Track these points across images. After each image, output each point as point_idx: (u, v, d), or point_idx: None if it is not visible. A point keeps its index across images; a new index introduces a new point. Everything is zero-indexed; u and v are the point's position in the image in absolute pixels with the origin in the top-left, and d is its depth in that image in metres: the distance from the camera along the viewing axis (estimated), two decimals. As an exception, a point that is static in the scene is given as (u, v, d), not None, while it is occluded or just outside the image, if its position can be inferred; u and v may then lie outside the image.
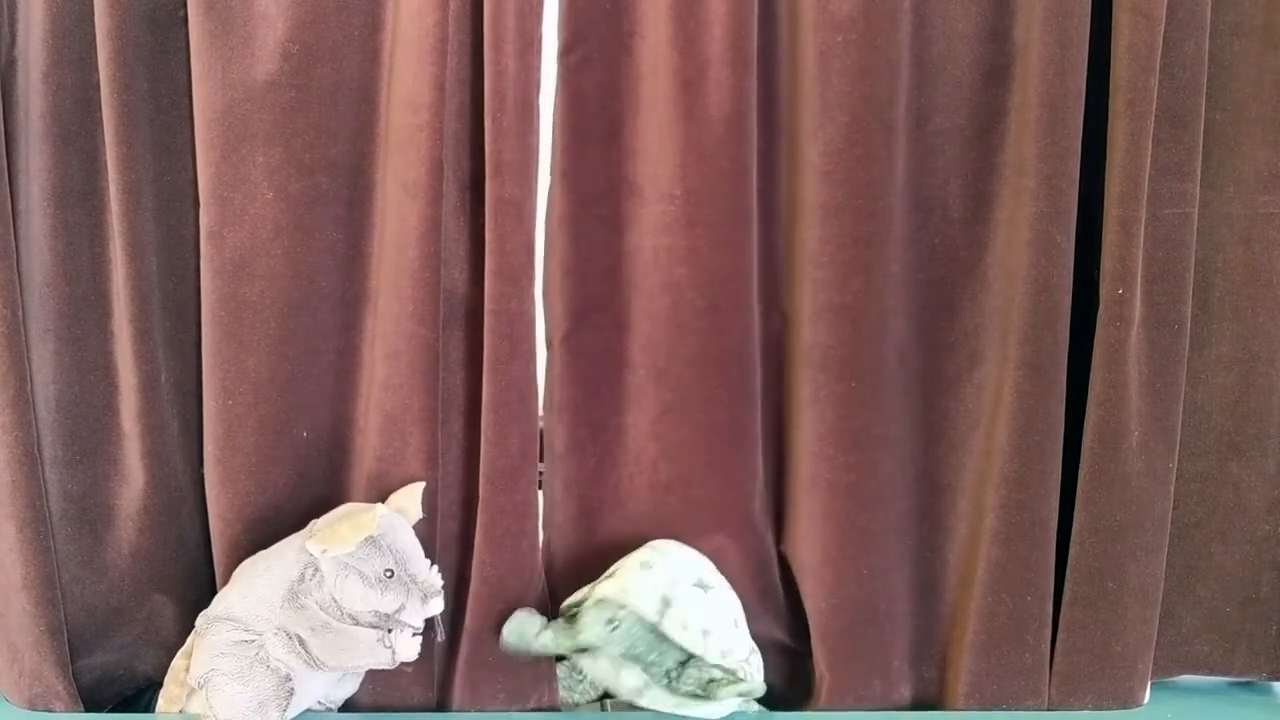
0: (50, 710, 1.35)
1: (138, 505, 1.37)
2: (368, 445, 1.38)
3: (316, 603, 1.25)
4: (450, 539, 1.41)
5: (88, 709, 1.37)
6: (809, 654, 1.44)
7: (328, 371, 1.39)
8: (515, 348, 1.33)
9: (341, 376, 1.39)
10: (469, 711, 1.40)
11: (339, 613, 1.25)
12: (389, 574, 1.25)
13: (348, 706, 1.39)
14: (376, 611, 1.25)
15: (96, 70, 1.28)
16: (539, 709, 1.41)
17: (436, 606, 1.27)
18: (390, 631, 1.27)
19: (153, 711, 1.38)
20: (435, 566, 1.30)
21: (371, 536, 1.24)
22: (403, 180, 1.31)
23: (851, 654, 1.41)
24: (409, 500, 1.31)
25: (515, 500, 1.36)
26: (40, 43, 1.28)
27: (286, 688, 1.25)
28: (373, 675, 1.38)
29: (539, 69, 1.32)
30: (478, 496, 1.36)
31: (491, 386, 1.33)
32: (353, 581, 1.24)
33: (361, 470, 1.39)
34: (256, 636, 1.26)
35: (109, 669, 1.41)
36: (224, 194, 1.32)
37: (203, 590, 1.41)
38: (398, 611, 1.25)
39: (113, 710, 1.42)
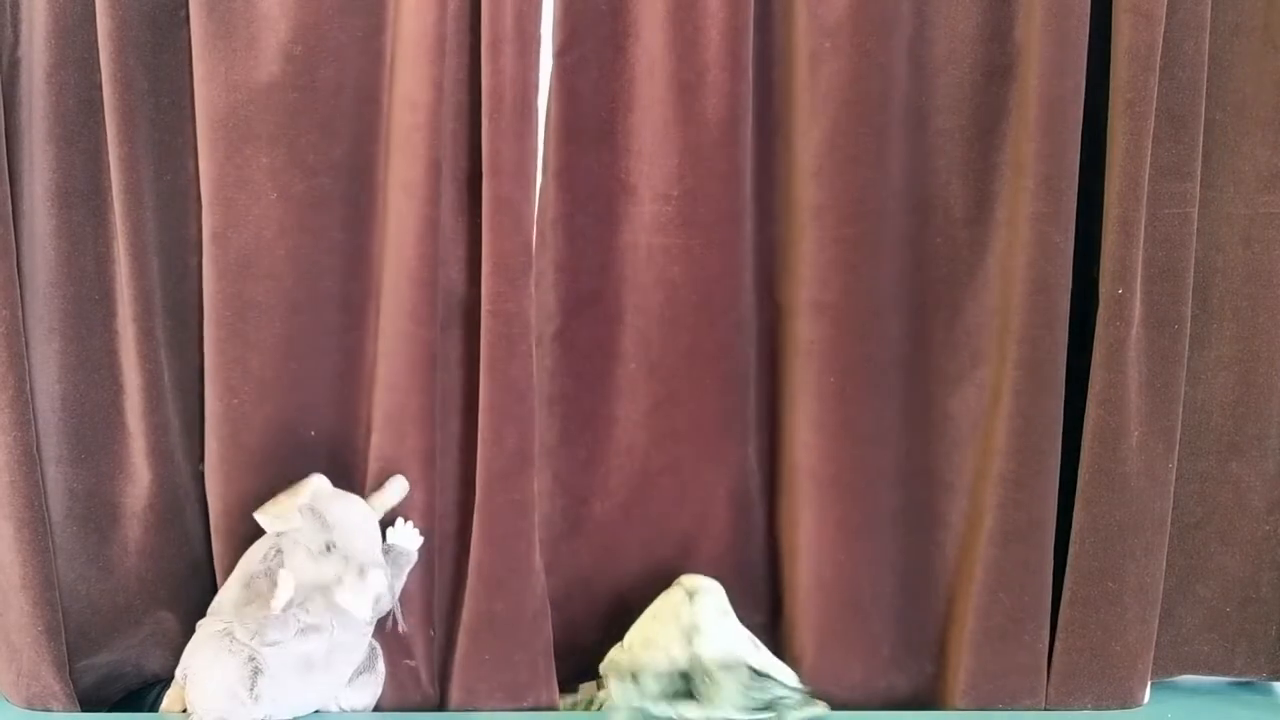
0: (48, 710, 1.36)
1: (143, 503, 1.38)
2: (370, 445, 1.38)
3: (269, 583, 1.27)
4: (448, 538, 1.41)
5: (93, 706, 1.38)
6: (786, 639, 1.45)
7: (333, 371, 1.39)
8: (513, 348, 1.33)
9: (347, 376, 1.39)
10: (466, 710, 1.40)
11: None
12: (330, 546, 1.26)
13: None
14: (317, 584, 1.26)
15: (99, 70, 1.28)
16: (536, 708, 1.41)
17: (375, 580, 1.26)
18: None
19: (158, 709, 1.38)
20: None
21: (316, 510, 1.26)
22: (401, 180, 1.32)
23: (833, 636, 1.41)
24: (385, 494, 1.34)
25: (513, 500, 1.36)
26: (43, 43, 1.28)
27: (250, 667, 1.24)
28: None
29: (537, 70, 1.32)
30: (474, 496, 1.36)
31: (489, 386, 1.33)
32: (299, 555, 1.26)
33: (364, 470, 1.39)
34: (229, 624, 1.27)
35: (115, 667, 1.42)
36: (228, 195, 1.32)
37: (206, 587, 1.41)
38: (335, 583, 1.26)
39: (115, 708, 1.42)
